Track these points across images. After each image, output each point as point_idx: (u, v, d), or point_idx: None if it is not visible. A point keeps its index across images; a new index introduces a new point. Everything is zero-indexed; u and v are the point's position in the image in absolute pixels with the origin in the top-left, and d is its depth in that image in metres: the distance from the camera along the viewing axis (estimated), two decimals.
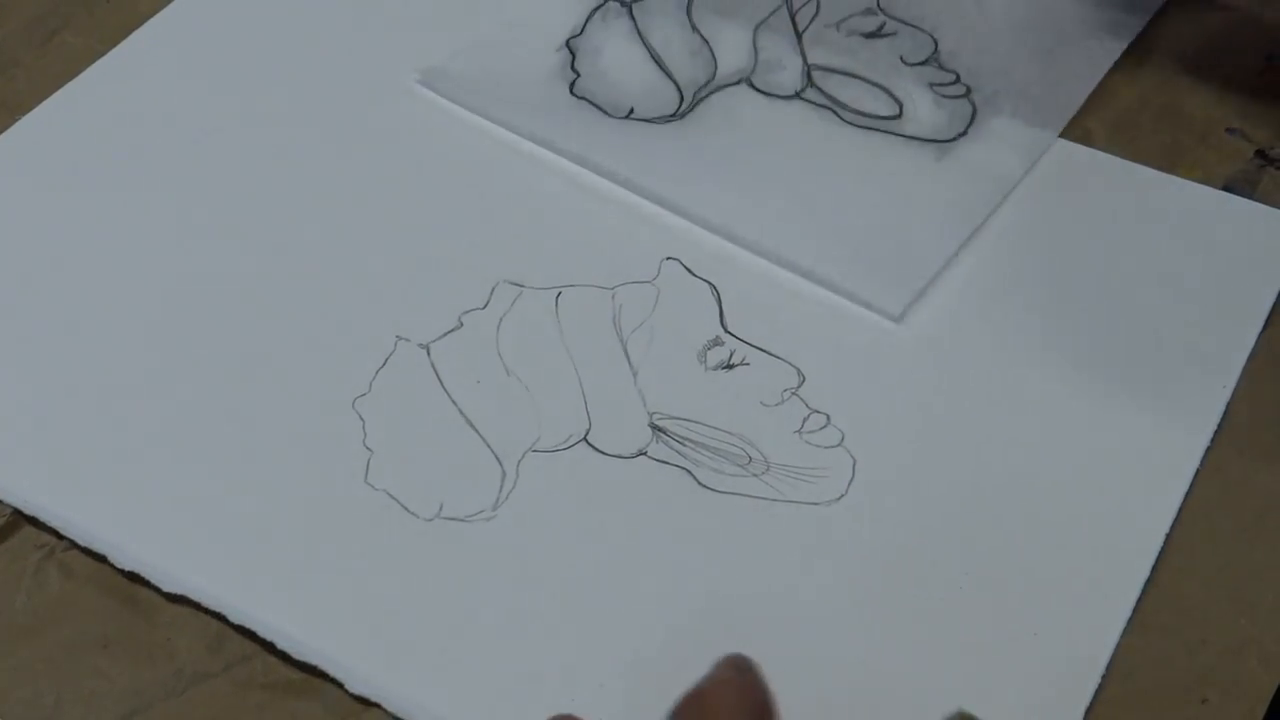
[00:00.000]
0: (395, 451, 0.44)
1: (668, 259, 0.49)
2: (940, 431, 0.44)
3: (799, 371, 0.45)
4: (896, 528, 0.42)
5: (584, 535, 0.42)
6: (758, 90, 0.54)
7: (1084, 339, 0.46)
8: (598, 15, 0.56)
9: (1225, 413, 0.44)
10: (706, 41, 0.55)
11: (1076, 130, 0.52)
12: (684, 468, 0.43)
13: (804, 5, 0.56)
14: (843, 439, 0.44)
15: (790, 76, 0.54)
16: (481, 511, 0.42)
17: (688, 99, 0.53)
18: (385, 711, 0.39)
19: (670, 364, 0.46)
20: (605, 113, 0.53)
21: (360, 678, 0.39)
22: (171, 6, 0.58)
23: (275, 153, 0.53)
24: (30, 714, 0.40)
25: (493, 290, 0.48)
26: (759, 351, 0.46)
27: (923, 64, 0.54)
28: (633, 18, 0.56)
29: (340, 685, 0.39)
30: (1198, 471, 0.43)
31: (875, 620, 0.40)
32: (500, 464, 0.43)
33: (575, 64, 0.55)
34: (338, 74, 0.55)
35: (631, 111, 0.53)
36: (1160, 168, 0.51)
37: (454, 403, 0.45)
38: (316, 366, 0.46)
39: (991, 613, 0.40)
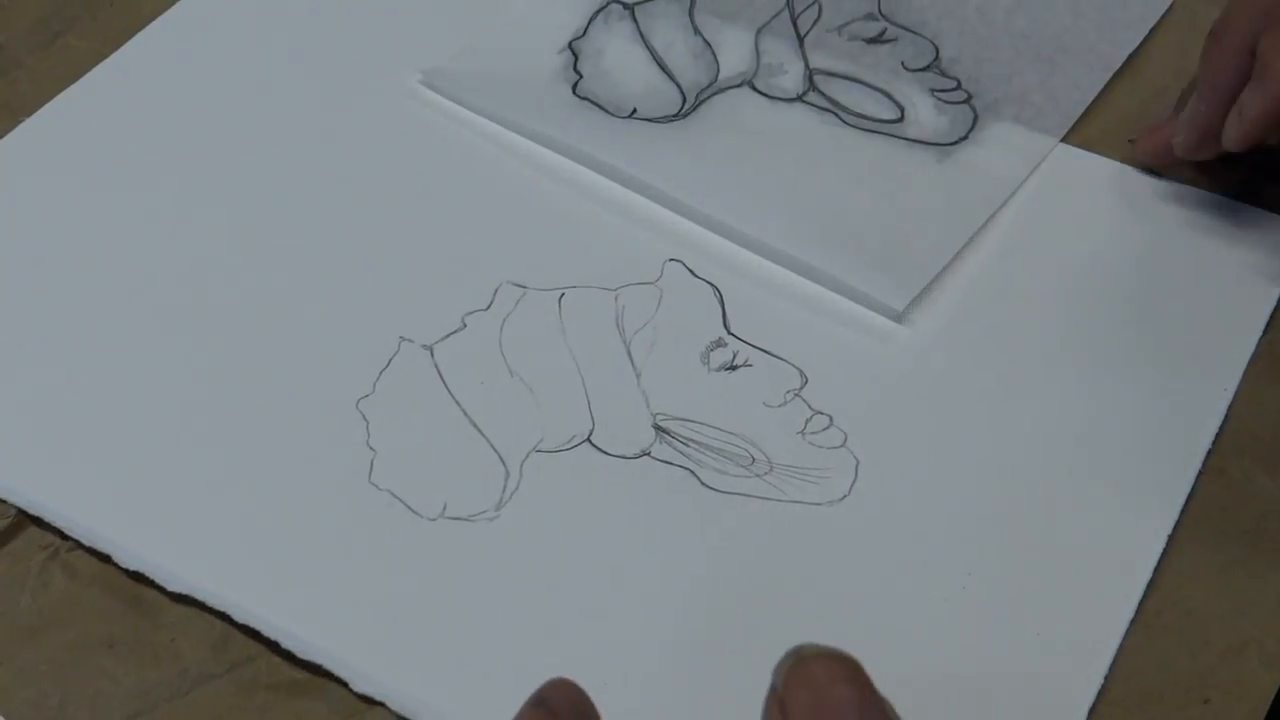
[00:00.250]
0: (399, 452, 0.44)
1: (670, 260, 0.49)
2: (942, 433, 0.44)
3: (802, 373, 0.46)
4: (899, 528, 0.42)
5: (587, 535, 0.42)
6: (760, 93, 0.54)
7: (1085, 341, 0.46)
8: (600, 17, 0.56)
9: (1227, 415, 0.44)
10: (709, 44, 0.55)
11: (1077, 137, 0.52)
12: (687, 468, 0.43)
13: (805, 10, 0.56)
14: (845, 440, 0.44)
15: (792, 80, 0.54)
16: (485, 511, 0.43)
17: (690, 100, 0.54)
18: (388, 711, 0.39)
19: (673, 365, 0.46)
20: (608, 113, 0.53)
21: (364, 677, 0.39)
22: (174, 9, 0.58)
23: (278, 154, 0.53)
24: (35, 715, 0.40)
25: (496, 291, 0.48)
26: (762, 353, 0.46)
27: (924, 70, 0.54)
28: (635, 20, 0.56)
29: (344, 684, 0.39)
30: (1199, 473, 0.43)
31: (878, 620, 0.40)
32: (504, 464, 0.43)
33: (578, 65, 0.55)
34: (340, 75, 0.55)
35: (634, 112, 0.53)
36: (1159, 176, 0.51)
37: (457, 403, 0.45)
38: (320, 367, 0.46)
39: (994, 613, 0.40)
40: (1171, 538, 0.42)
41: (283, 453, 0.44)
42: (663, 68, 0.55)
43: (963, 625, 0.40)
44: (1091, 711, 0.38)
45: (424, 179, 0.52)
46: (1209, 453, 0.43)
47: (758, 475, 0.43)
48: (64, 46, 0.57)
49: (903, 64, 0.54)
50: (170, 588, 0.41)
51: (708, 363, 0.46)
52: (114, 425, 0.45)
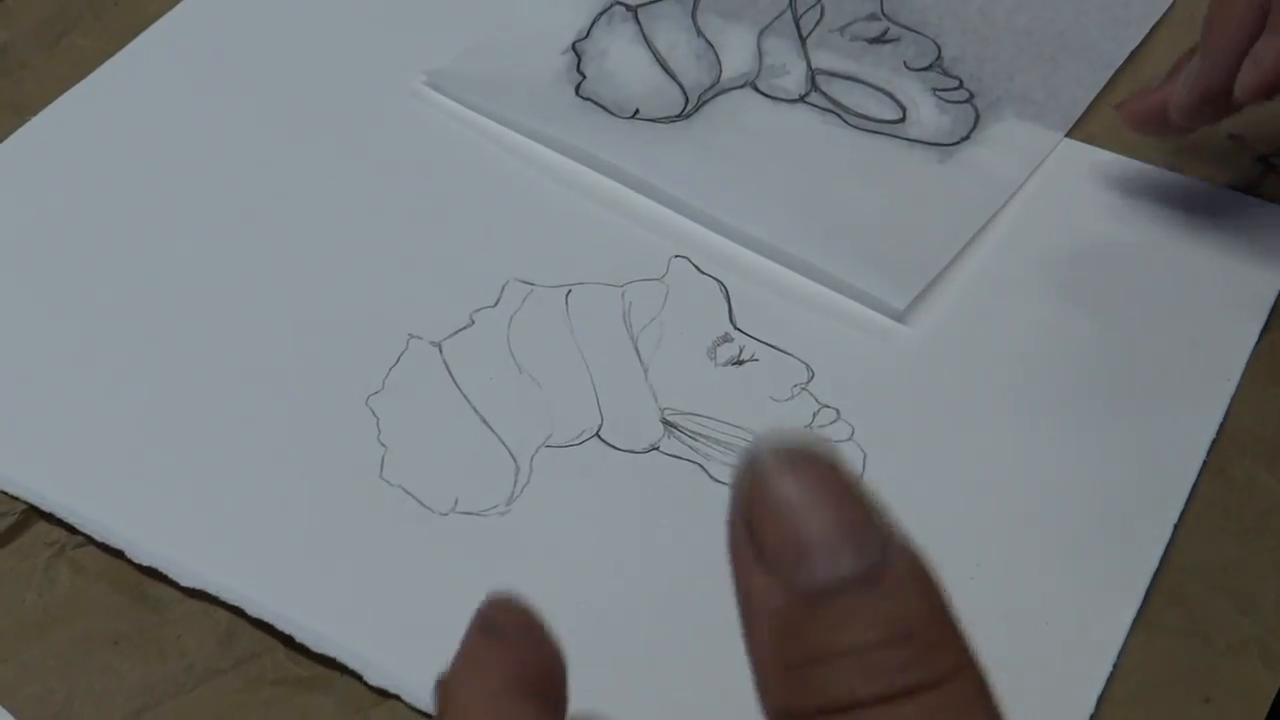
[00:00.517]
0: (410, 448, 0.44)
1: (676, 256, 0.49)
2: (947, 429, 0.44)
3: (808, 367, 0.46)
4: (905, 523, 0.42)
5: (597, 529, 0.42)
6: (762, 94, 0.54)
7: (1087, 337, 0.46)
8: (603, 19, 0.56)
9: (1228, 411, 0.44)
10: (711, 45, 0.55)
11: (1079, 134, 0.53)
12: (696, 462, 0.44)
13: (808, 10, 0.56)
14: (852, 433, 0.44)
15: (794, 80, 0.54)
16: (496, 506, 0.43)
17: (692, 101, 0.54)
18: (400, 704, 0.39)
19: (680, 360, 0.46)
20: (611, 114, 0.53)
21: (378, 670, 0.39)
22: (179, 8, 0.58)
23: (283, 154, 0.53)
24: (41, 710, 0.40)
25: (503, 288, 0.48)
26: (768, 347, 0.46)
27: (926, 69, 0.54)
28: (638, 21, 0.56)
29: (357, 677, 0.39)
30: (1201, 470, 0.43)
31: None
32: (514, 459, 0.44)
33: (581, 66, 0.55)
34: (345, 76, 0.55)
35: (637, 113, 0.53)
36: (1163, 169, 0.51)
37: (467, 399, 0.45)
38: (330, 365, 0.46)
39: (998, 610, 0.40)
40: (1173, 536, 0.42)
41: (294, 449, 0.44)
42: (665, 69, 0.55)
43: (967, 619, 0.40)
44: (1094, 709, 0.39)
45: (429, 178, 0.52)
46: (1210, 451, 0.44)
47: None
48: (69, 46, 0.57)
49: (905, 64, 0.54)
50: (183, 583, 0.41)
51: (714, 358, 0.46)
52: (124, 422, 0.45)
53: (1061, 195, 0.50)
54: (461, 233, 0.50)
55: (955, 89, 0.53)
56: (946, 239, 0.49)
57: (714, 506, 0.42)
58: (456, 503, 0.43)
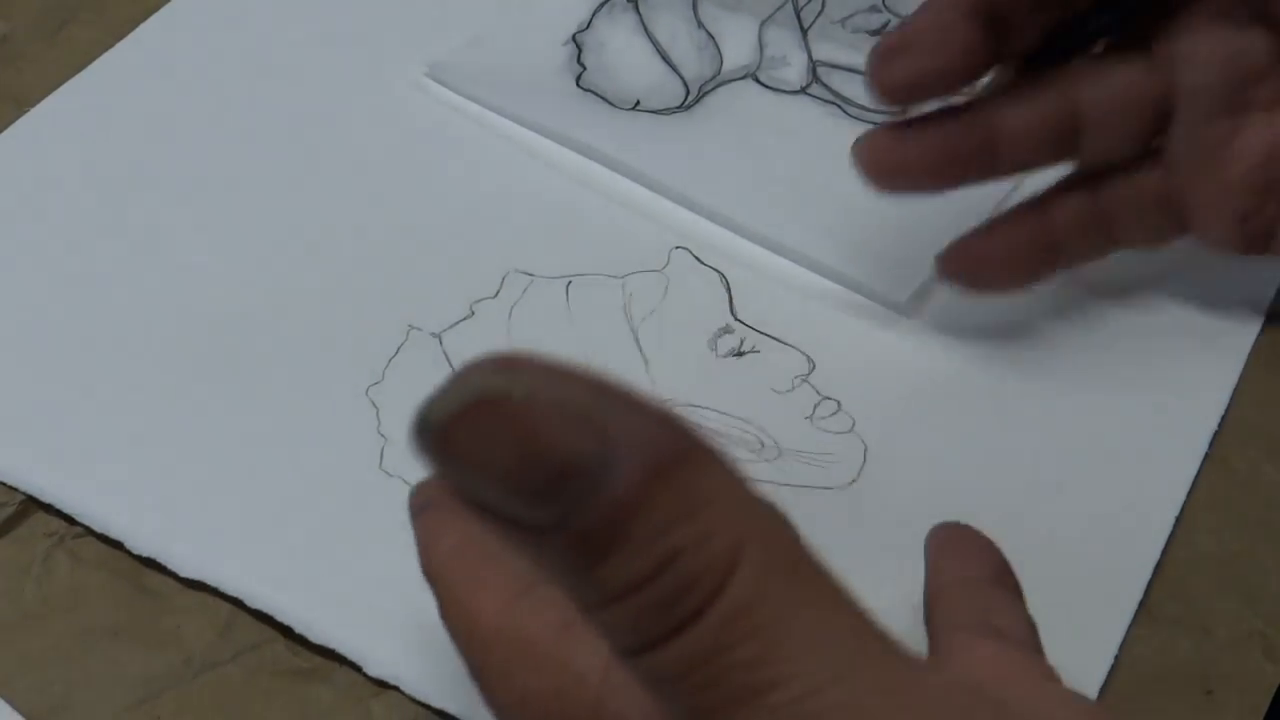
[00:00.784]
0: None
1: (677, 248, 0.49)
2: (948, 420, 0.44)
3: (809, 358, 0.46)
4: (908, 513, 0.42)
5: None
6: (763, 85, 0.54)
7: (1089, 328, 0.47)
8: (604, 10, 0.56)
9: (1230, 403, 0.45)
10: (712, 37, 0.55)
11: None
12: None
13: (809, 2, 0.56)
14: (854, 425, 0.44)
15: (795, 72, 0.54)
16: None
17: (693, 92, 0.54)
18: (400, 695, 0.39)
19: (681, 351, 0.46)
20: (612, 105, 0.53)
21: (378, 660, 0.39)
22: None
23: (284, 144, 0.53)
24: (39, 701, 0.40)
25: (503, 279, 0.48)
26: (769, 339, 0.46)
27: None
28: (638, 13, 0.56)
29: (356, 669, 0.39)
30: (1203, 463, 0.43)
31: (886, 604, 0.40)
32: None
33: (582, 58, 0.55)
34: (346, 67, 0.55)
35: (637, 104, 0.53)
36: None
37: None
38: (330, 356, 0.46)
39: None
40: (1175, 528, 0.42)
41: (294, 440, 0.44)
42: (666, 60, 0.55)
43: None
44: (1095, 701, 0.39)
45: (430, 170, 0.52)
46: (1212, 442, 0.44)
47: (767, 460, 0.43)
48: (69, 36, 0.57)
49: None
50: (182, 574, 0.41)
51: (715, 349, 0.46)
52: (122, 413, 0.45)
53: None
54: (461, 224, 0.50)
55: None
56: (949, 230, 0.49)
57: None
58: None
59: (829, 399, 0.45)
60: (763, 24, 0.56)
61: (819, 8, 0.56)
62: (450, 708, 0.39)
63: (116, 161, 0.52)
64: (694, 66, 0.55)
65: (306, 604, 0.40)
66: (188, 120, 0.54)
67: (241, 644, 0.40)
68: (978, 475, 0.43)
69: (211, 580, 0.41)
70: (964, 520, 0.42)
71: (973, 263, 0.45)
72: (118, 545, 0.42)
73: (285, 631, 0.40)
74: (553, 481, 0.21)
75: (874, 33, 0.55)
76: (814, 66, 0.54)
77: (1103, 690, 0.39)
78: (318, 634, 0.40)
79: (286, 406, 0.45)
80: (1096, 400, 0.45)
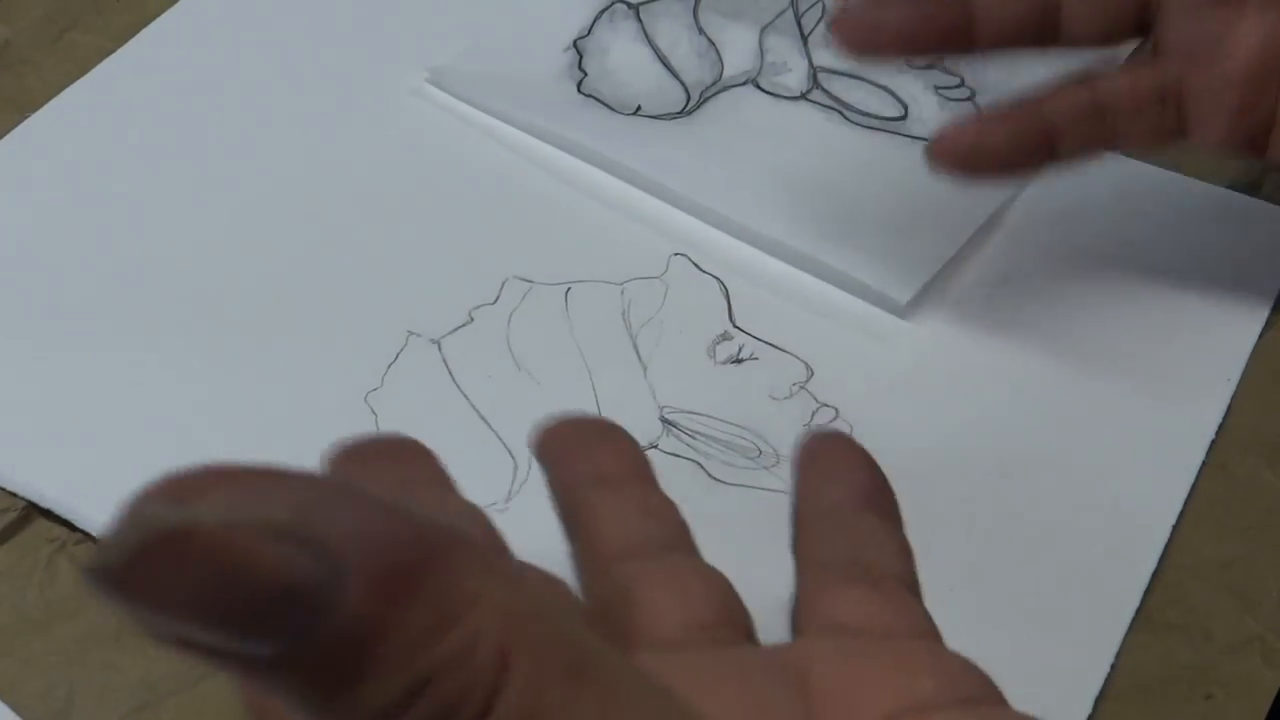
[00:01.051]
0: None
1: (676, 254, 0.49)
2: (946, 427, 0.44)
3: (807, 366, 0.46)
4: (907, 519, 0.42)
5: None
6: (764, 91, 0.54)
7: (1088, 335, 0.47)
8: (605, 16, 0.56)
9: (1229, 408, 0.45)
10: (713, 43, 0.55)
11: None
12: (695, 461, 0.44)
13: (810, 8, 0.56)
14: (851, 432, 0.44)
15: (796, 78, 0.54)
16: (494, 503, 0.43)
17: (694, 98, 0.54)
18: None
19: (680, 358, 0.46)
20: (612, 110, 0.53)
21: None
22: (180, 4, 0.58)
23: (284, 150, 0.53)
24: (42, 707, 0.40)
25: (503, 286, 0.48)
26: (767, 346, 0.46)
27: (927, 67, 0.54)
28: (639, 19, 0.56)
29: None
30: (1202, 467, 0.43)
31: None
32: (512, 457, 0.44)
33: (583, 63, 0.55)
34: (346, 72, 0.55)
35: (638, 110, 0.53)
36: (1163, 168, 0.51)
37: (465, 397, 0.45)
38: (329, 362, 0.46)
39: (997, 607, 0.41)
40: (1174, 533, 0.42)
41: (293, 446, 0.44)
42: (667, 66, 0.55)
43: (967, 617, 0.40)
44: (1094, 707, 0.39)
45: (430, 176, 0.52)
46: (1211, 448, 0.44)
47: (765, 467, 0.43)
48: (70, 42, 0.57)
49: (906, 61, 0.54)
50: None
51: (714, 356, 0.46)
52: (122, 419, 0.45)
53: (1062, 193, 0.50)
54: (461, 230, 0.50)
55: (956, 86, 0.53)
56: (948, 235, 0.49)
57: (712, 504, 0.43)
58: None
59: (827, 406, 0.45)
60: (763, 30, 0.56)
61: (819, 14, 0.56)
62: None
63: (117, 167, 0.52)
64: (695, 72, 0.55)
65: None
66: (188, 126, 0.54)
67: None
68: (976, 483, 0.43)
69: None
70: (961, 528, 0.42)
71: (967, 149, 0.43)
72: None
73: None
74: (268, 612, 0.18)
75: None
76: (814, 72, 0.54)
77: (1102, 695, 0.39)
78: None
79: (286, 412, 0.45)
80: (1095, 406, 0.45)
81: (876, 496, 0.31)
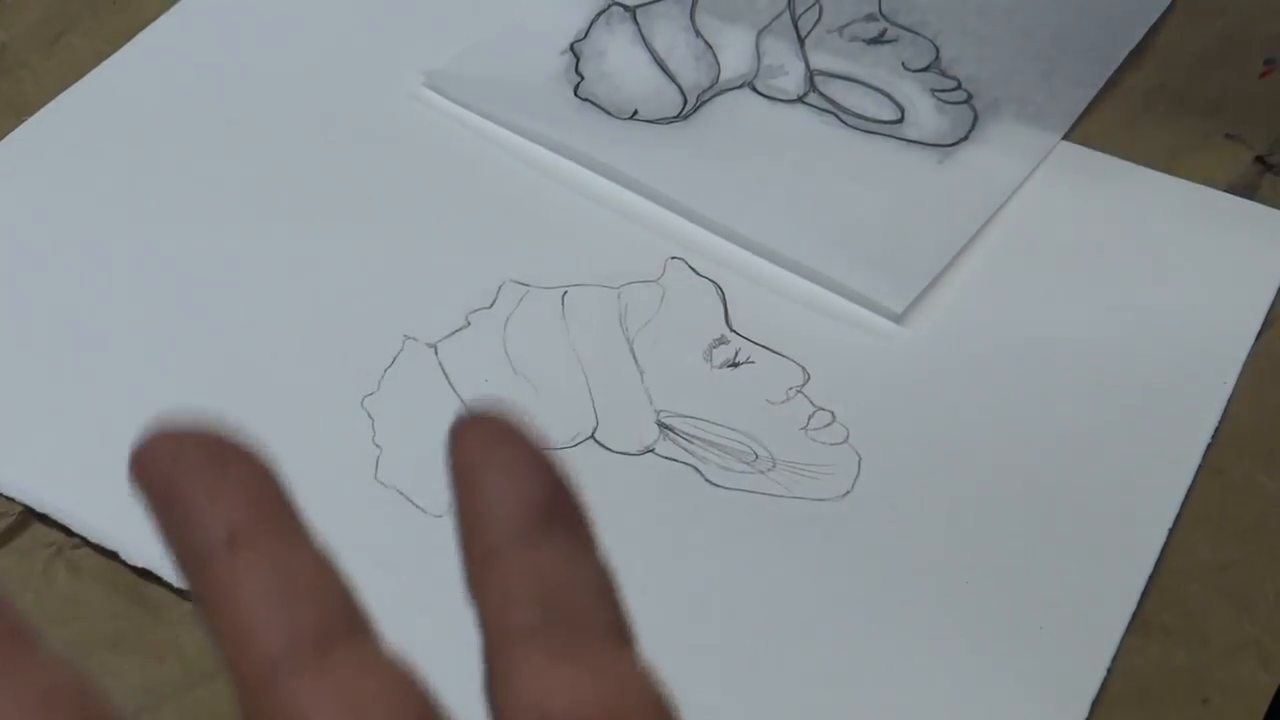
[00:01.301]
0: (404, 449, 0.44)
1: (673, 258, 0.49)
2: (943, 431, 0.44)
3: (804, 369, 0.46)
4: (901, 524, 0.42)
5: None
6: (760, 94, 0.54)
7: (1084, 339, 0.47)
8: (601, 19, 0.56)
9: (1225, 412, 0.45)
10: (710, 46, 0.55)
11: (1077, 134, 0.53)
12: (691, 465, 0.44)
13: (806, 11, 0.56)
14: (848, 436, 0.44)
15: (793, 81, 0.54)
16: None
17: (691, 102, 0.54)
18: None
19: (676, 362, 0.46)
20: (609, 114, 0.53)
21: None
22: (176, 8, 0.58)
23: (281, 154, 0.53)
24: None
25: (499, 290, 0.48)
26: (764, 350, 0.46)
27: (924, 70, 0.54)
28: (636, 22, 0.56)
29: None
30: (1198, 471, 0.43)
31: (880, 615, 0.40)
32: None
33: (579, 67, 0.55)
34: (343, 76, 0.55)
35: (635, 113, 0.53)
36: (1160, 172, 0.51)
37: (462, 401, 0.45)
38: (325, 366, 0.46)
39: (994, 612, 0.41)
40: (1170, 537, 0.42)
41: (289, 450, 0.43)
42: (664, 69, 0.55)
43: (963, 622, 0.40)
44: (1090, 711, 0.39)
45: (427, 179, 0.52)
46: (1207, 451, 0.44)
47: (761, 472, 0.43)
48: (66, 46, 0.57)
49: (903, 64, 0.54)
50: (177, 584, 0.41)
51: (710, 360, 0.46)
52: (119, 423, 0.45)
53: (1059, 197, 0.50)
54: (458, 233, 0.50)
55: (953, 90, 0.53)
56: (944, 240, 0.49)
57: (709, 509, 0.43)
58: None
59: (823, 410, 0.45)
60: (760, 33, 0.56)
61: (816, 17, 0.56)
62: None
63: (114, 170, 0.52)
64: (691, 76, 0.55)
65: None
66: (185, 129, 0.54)
67: None
68: (971, 488, 0.43)
69: None
70: (958, 532, 0.42)
71: None
72: (115, 556, 0.42)
73: None
74: None
75: (870, 41, 0.55)
76: (811, 75, 0.54)
77: (1098, 699, 0.39)
78: None
79: (282, 417, 0.45)
80: (1091, 411, 0.45)
81: (557, 510, 0.23)
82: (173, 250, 0.50)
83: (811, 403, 0.45)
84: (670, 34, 0.56)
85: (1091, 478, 0.43)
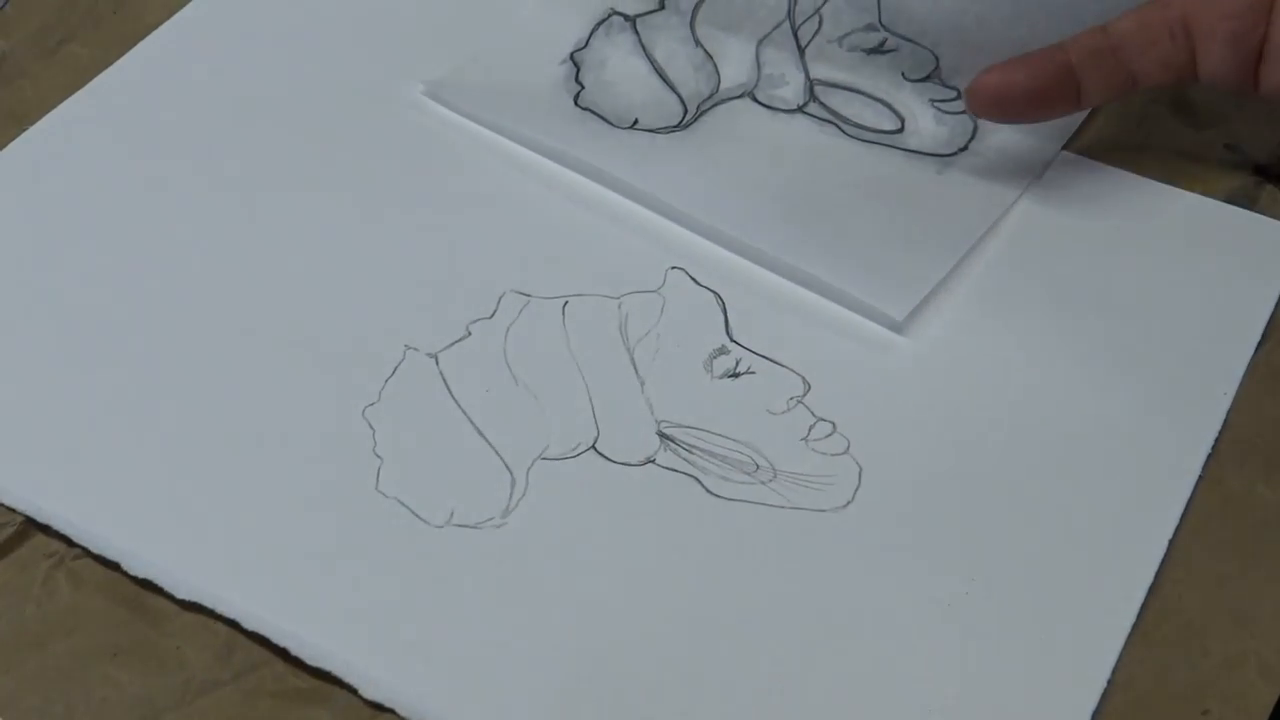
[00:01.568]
0: (405, 459, 0.44)
1: (673, 268, 0.49)
2: (943, 441, 0.44)
3: (804, 380, 0.46)
4: (902, 535, 0.42)
5: (593, 541, 0.42)
6: (760, 104, 0.54)
7: (1084, 349, 0.47)
8: (601, 29, 0.56)
9: (1225, 423, 0.45)
10: (710, 56, 0.55)
11: (1076, 145, 0.53)
12: (692, 475, 0.44)
13: (806, 21, 0.56)
14: (848, 446, 0.44)
15: (793, 91, 0.54)
16: (491, 518, 0.43)
17: (691, 111, 0.54)
18: (398, 717, 0.39)
19: (677, 372, 0.46)
20: (609, 124, 0.53)
21: (373, 682, 0.39)
22: (177, 17, 0.58)
23: (281, 163, 0.53)
24: None
25: (500, 300, 0.48)
26: (764, 360, 0.46)
27: (924, 80, 0.54)
28: (636, 32, 0.56)
29: (353, 691, 0.40)
30: (1198, 482, 0.43)
31: (880, 626, 0.40)
32: (510, 471, 0.44)
33: (579, 76, 0.55)
34: (343, 85, 0.55)
35: (635, 123, 0.53)
36: (1160, 182, 0.51)
37: (463, 411, 0.45)
38: (326, 376, 0.46)
39: (994, 622, 0.41)
40: (1170, 548, 0.42)
41: (290, 461, 0.44)
42: (664, 79, 0.55)
43: (964, 632, 0.40)
44: None
45: (427, 189, 0.52)
46: (1207, 462, 0.44)
47: (762, 482, 0.43)
48: (67, 54, 0.57)
49: (903, 74, 0.54)
50: (179, 595, 0.41)
51: (711, 370, 0.46)
52: (120, 433, 0.45)
53: (1058, 207, 0.51)
54: (458, 244, 0.50)
55: (953, 100, 0.54)
56: (945, 250, 0.49)
57: (710, 519, 0.43)
58: (452, 515, 0.43)
59: (824, 421, 0.45)
60: (760, 43, 0.56)
61: (816, 27, 0.56)
62: None
63: (115, 179, 0.53)
64: (691, 85, 0.55)
65: (302, 625, 0.41)
66: (186, 138, 0.54)
67: (241, 665, 0.41)
68: (971, 497, 0.43)
69: (208, 602, 0.41)
70: (958, 543, 0.42)
71: (994, 90, 0.49)
72: (117, 567, 0.42)
73: (283, 653, 0.40)
74: None
75: (870, 51, 0.55)
76: (811, 85, 0.55)
77: (1098, 711, 0.39)
78: (314, 656, 0.40)
79: (283, 428, 0.45)
80: (1091, 420, 0.45)
81: None
82: (173, 260, 0.50)
83: (812, 413, 0.45)
84: (670, 44, 0.56)
85: (1091, 488, 0.43)
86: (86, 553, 0.43)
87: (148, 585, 0.42)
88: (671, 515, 0.43)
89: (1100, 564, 0.42)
